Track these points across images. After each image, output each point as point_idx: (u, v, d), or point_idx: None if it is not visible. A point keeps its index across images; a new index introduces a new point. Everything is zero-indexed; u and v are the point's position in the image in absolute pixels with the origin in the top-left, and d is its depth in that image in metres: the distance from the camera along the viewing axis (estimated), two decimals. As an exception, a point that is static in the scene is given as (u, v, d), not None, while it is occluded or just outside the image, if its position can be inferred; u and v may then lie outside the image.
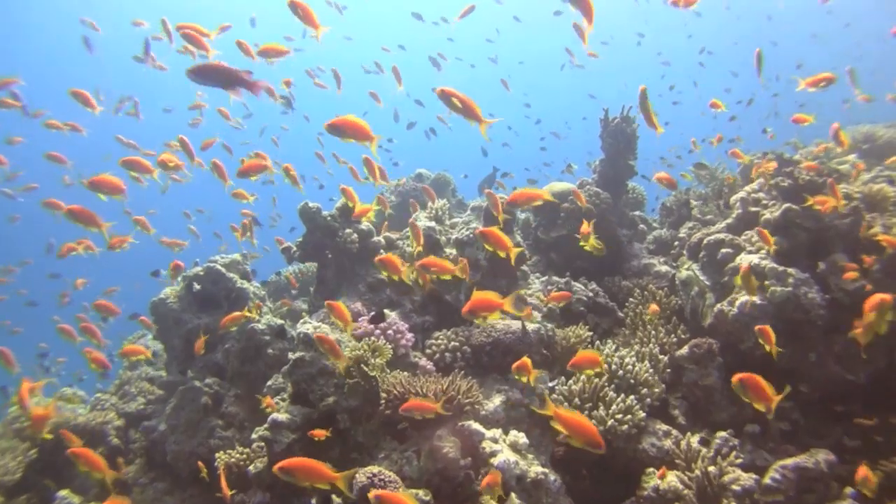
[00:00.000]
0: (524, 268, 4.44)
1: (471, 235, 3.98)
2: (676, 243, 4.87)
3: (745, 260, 4.14)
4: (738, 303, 4.00)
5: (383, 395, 3.01)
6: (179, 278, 4.62)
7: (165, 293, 4.65)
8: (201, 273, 4.58)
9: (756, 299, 3.97)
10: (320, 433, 3.06)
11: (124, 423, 4.71)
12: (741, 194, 4.59)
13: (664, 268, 4.77)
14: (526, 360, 2.95)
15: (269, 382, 3.87)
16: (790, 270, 4.03)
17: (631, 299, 4.42)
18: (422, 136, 8.97)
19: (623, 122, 4.93)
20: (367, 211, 3.64)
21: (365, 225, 4.11)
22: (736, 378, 2.99)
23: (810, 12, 19.35)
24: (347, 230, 4.02)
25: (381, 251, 4.08)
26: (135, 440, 4.44)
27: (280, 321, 4.47)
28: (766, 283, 4.02)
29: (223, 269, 4.59)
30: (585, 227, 3.91)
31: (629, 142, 4.96)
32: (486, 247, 3.31)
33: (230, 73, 2.42)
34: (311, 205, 4.08)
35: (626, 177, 5.03)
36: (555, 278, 4.45)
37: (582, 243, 3.92)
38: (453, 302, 3.98)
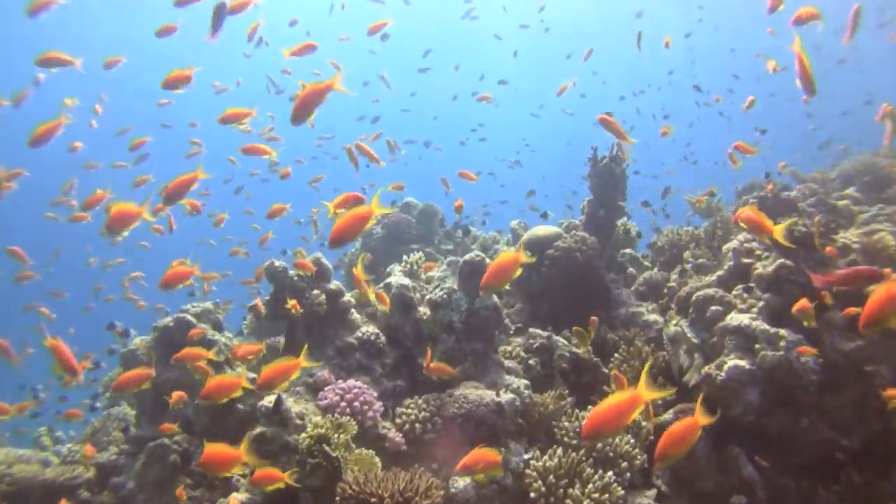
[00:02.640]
0: (505, 321, 4.26)
1: (444, 296, 3.80)
2: (666, 291, 4.66)
3: (735, 320, 3.94)
4: (726, 367, 3.80)
5: (338, 490, 2.86)
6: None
7: (135, 344, 4.51)
8: (171, 324, 4.43)
9: (745, 364, 3.77)
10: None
11: (96, 473, 4.61)
12: (734, 244, 4.37)
13: (653, 316, 4.57)
14: (477, 455, 2.78)
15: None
16: (782, 332, 3.83)
17: (616, 355, 4.24)
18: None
19: (612, 162, 4.71)
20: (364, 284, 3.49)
21: (334, 284, 3.94)
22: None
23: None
24: (315, 291, 3.85)
25: (352, 311, 3.91)
26: (104, 499, 4.33)
27: (253, 375, 4.33)
28: (757, 346, 3.82)
29: (194, 320, 4.44)
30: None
31: (618, 182, 4.73)
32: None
33: None
34: (276, 264, 3.91)
35: (615, 218, 4.82)
36: (537, 332, 4.26)
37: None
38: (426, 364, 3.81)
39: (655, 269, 5.07)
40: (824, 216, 4.26)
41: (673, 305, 4.32)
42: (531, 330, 4.28)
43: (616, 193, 4.73)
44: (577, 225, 4.87)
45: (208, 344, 4.29)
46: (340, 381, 3.69)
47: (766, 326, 3.85)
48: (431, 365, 3.51)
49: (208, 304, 4.58)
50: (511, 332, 4.33)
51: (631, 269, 4.92)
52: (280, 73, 9.42)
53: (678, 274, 4.61)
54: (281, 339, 4.36)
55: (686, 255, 4.80)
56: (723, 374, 3.80)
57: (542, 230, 4.64)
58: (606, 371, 4.21)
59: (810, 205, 5.01)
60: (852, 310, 3.95)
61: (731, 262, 4.30)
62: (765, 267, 4.12)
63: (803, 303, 3.58)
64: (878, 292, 2.42)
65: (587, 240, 4.53)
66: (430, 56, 12.64)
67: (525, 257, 3.10)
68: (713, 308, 4.04)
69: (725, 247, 4.40)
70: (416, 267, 4.19)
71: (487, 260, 3.86)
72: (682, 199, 5.85)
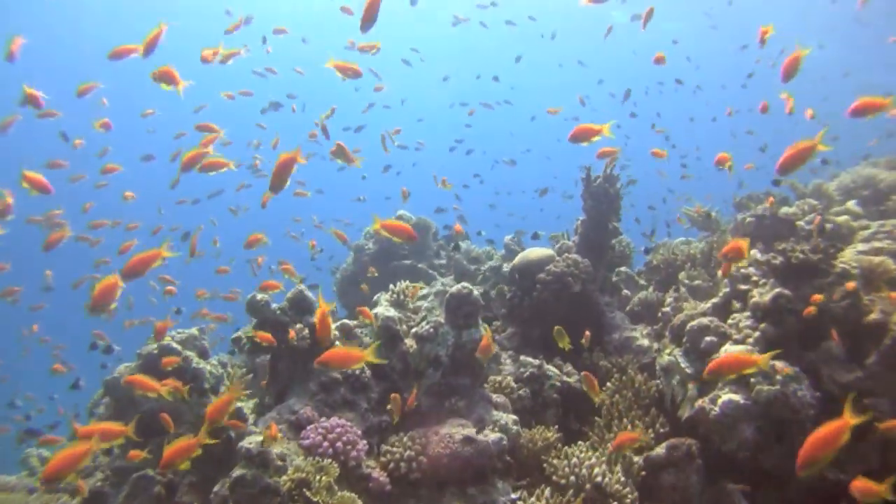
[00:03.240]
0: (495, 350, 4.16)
1: (431, 330, 3.69)
2: (660, 315, 4.55)
3: (730, 351, 3.83)
4: (720, 402, 3.70)
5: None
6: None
7: (120, 371, 4.43)
8: (155, 351, 4.35)
9: (740, 399, 3.67)
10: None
11: (80, 502, 4.55)
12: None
13: (646, 342, 4.46)
14: None
15: (215, 488, 3.67)
16: (778, 365, 3.72)
17: (608, 384, 4.14)
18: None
19: (606, 182, 4.57)
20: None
21: (315, 318, 3.84)
22: None
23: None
24: (298, 325, 3.75)
25: (337, 343, 3.81)
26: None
27: (238, 405, 4.25)
28: (752, 380, 3.71)
29: (178, 347, 4.35)
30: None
31: (612, 202, 4.60)
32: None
33: None
34: (258, 297, 3.81)
35: (609, 239, 4.70)
36: (528, 360, 4.17)
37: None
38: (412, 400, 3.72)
39: (651, 289, 4.96)
40: (822, 241, 4.13)
41: (667, 333, 4.22)
42: (522, 358, 4.18)
43: (610, 213, 4.61)
44: (571, 246, 4.75)
45: (186, 372, 4.21)
46: (324, 418, 3.60)
47: (762, 360, 3.74)
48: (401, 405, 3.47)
49: (193, 331, 4.49)
50: (502, 360, 4.23)
51: (626, 291, 4.81)
52: (264, 70, 9.30)
53: (673, 298, 4.50)
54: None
55: (682, 276, 4.68)
56: (716, 408, 3.70)
57: (534, 253, 4.52)
58: (599, 401, 4.12)
59: (809, 222, 4.87)
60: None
61: (728, 289, 4.18)
62: (762, 295, 4.01)
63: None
64: (814, 434, 2.46)
65: (579, 263, 4.41)
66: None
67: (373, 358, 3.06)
68: (707, 339, 3.93)
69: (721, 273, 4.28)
70: (402, 296, 4.08)
71: (475, 292, 3.75)
72: (681, 210, 5.71)
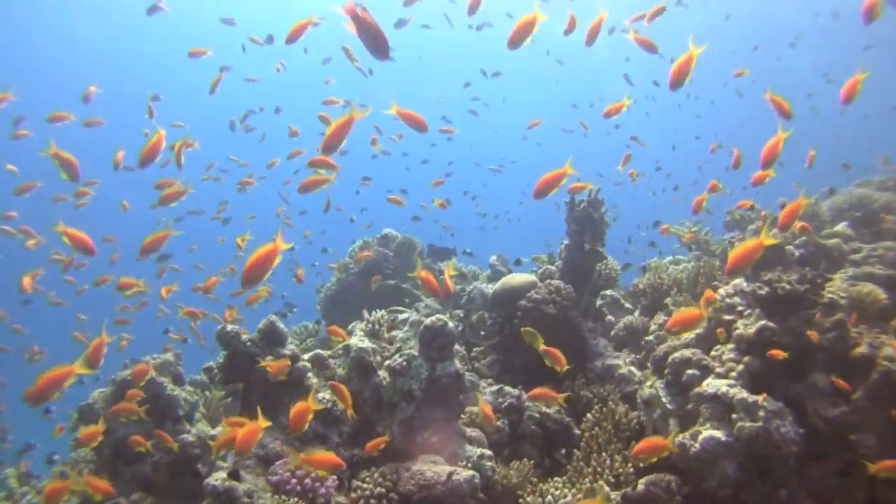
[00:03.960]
0: (471, 377, 4.09)
1: (404, 364, 3.61)
2: (644, 343, 4.45)
3: (712, 386, 3.73)
4: (701, 438, 3.60)
5: None
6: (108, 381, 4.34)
7: (94, 397, 4.37)
8: (129, 377, 4.28)
9: (721, 435, 3.58)
10: None
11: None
12: (715, 297, 4.14)
13: (629, 370, 4.37)
14: None
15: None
16: (761, 402, 3.62)
17: (589, 415, 4.05)
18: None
19: (590, 207, 4.48)
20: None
21: (289, 349, 3.77)
22: None
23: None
24: (269, 357, 3.68)
25: (308, 375, 3.74)
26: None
27: (213, 432, 4.20)
28: (734, 416, 3.62)
29: (153, 373, 4.28)
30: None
31: (597, 227, 4.51)
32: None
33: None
34: (228, 329, 3.74)
35: (593, 264, 4.60)
36: (507, 389, 4.09)
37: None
38: (385, 433, 3.64)
39: (637, 313, 4.86)
40: (809, 271, 4.02)
41: (649, 364, 4.12)
42: (502, 388, 4.10)
43: (594, 238, 4.51)
44: (554, 271, 4.66)
45: (160, 399, 4.15)
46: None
47: (745, 395, 3.65)
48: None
49: (168, 356, 4.42)
50: (481, 388, 4.15)
51: (610, 317, 4.71)
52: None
53: (657, 325, 4.40)
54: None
55: (668, 301, 4.59)
56: (697, 445, 3.61)
57: (516, 279, 4.44)
58: (579, 432, 4.03)
59: (798, 246, 4.77)
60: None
61: (711, 320, 4.08)
62: (746, 327, 3.91)
63: None
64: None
65: (561, 290, 4.32)
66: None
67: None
68: (689, 372, 3.84)
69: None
70: (378, 326, 4.00)
71: (450, 324, 3.67)
72: (671, 229, 5.61)
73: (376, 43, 2.24)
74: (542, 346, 3.52)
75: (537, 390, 3.60)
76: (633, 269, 5.78)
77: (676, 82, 3.29)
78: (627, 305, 4.97)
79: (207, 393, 4.69)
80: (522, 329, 3.71)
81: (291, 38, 3.88)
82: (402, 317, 4.73)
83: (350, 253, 6.19)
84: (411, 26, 7.04)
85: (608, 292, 4.97)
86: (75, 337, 6.05)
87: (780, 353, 3.62)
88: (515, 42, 3.06)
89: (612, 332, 4.79)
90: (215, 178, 7.65)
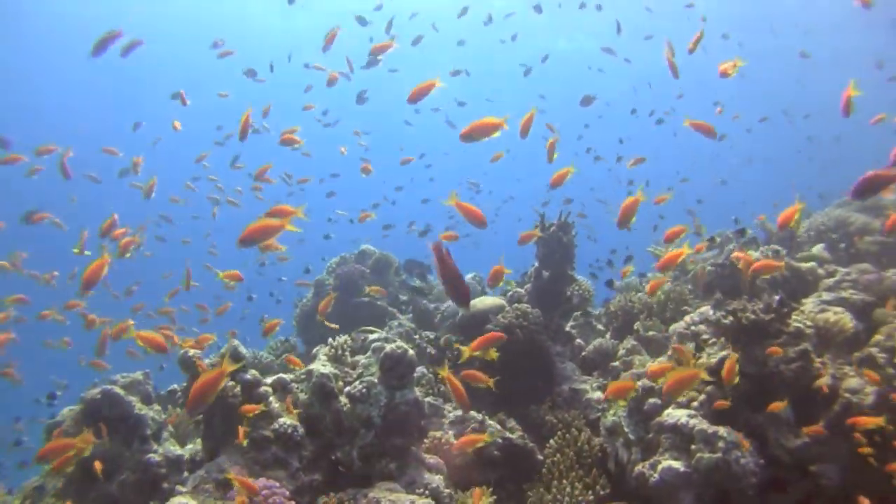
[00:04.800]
0: (434, 402, 4.10)
1: (364, 391, 3.62)
2: (611, 368, 4.45)
3: (672, 416, 3.73)
4: (660, 468, 3.60)
5: None
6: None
7: (63, 414, 4.39)
8: (98, 396, 4.30)
9: (680, 466, 3.58)
10: None
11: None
12: (680, 325, 4.15)
13: (596, 394, 4.37)
14: None
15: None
16: (721, 432, 3.62)
17: (552, 441, 4.05)
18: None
19: (560, 230, 4.47)
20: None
21: (250, 374, 3.78)
22: None
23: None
24: (230, 382, 3.69)
25: (270, 401, 3.75)
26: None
27: (179, 452, 4.22)
28: (693, 447, 3.61)
29: (122, 392, 4.30)
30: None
31: (566, 250, 4.51)
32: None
33: None
34: (190, 353, 3.76)
35: (563, 287, 4.60)
36: (472, 414, 4.09)
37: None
38: (345, 460, 3.66)
39: (608, 336, 4.86)
40: (777, 300, 4.00)
41: (612, 392, 4.11)
42: (464, 413, 4.10)
43: (564, 261, 4.51)
44: (522, 294, 4.66)
45: (129, 418, 4.17)
46: (252, 479, 3.54)
47: (705, 426, 3.64)
48: None
49: (138, 375, 4.44)
50: (445, 413, 4.16)
51: (579, 341, 4.70)
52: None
53: (626, 350, 4.39)
54: None
55: (637, 325, 4.58)
56: (656, 475, 3.61)
57: (484, 302, 4.44)
58: (542, 458, 4.04)
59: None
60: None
61: (676, 347, 4.07)
62: (710, 356, 3.90)
63: None
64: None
65: (529, 314, 4.32)
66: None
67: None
68: (651, 401, 3.84)
69: (672, 327, 4.18)
70: (341, 351, 4.01)
71: (411, 351, 3.68)
72: (647, 249, 5.60)
73: (457, 293, 2.31)
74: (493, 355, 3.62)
75: (467, 372, 3.64)
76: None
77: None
78: (599, 327, 4.97)
79: (177, 409, 4.71)
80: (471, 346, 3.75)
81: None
82: (372, 336, 4.74)
83: (327, 269, 6.21)
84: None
85: (580, 314, 4.97)
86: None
87: (724, 404, 3.62)
88: (469, 137, 3.10)
89: (584, 353, 4.79)
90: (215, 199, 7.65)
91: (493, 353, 3.71)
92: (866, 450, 3.43)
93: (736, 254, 4.69)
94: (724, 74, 4.01)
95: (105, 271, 3.54)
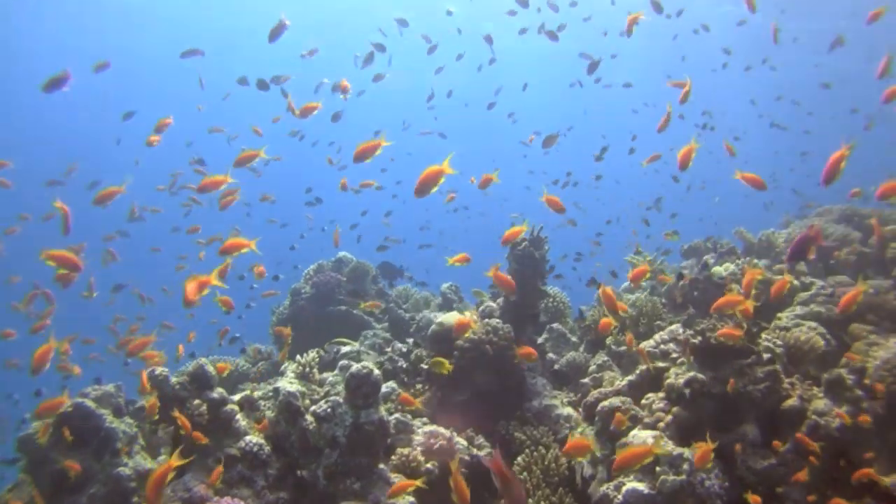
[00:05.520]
0: (403, 418, 4.10)
1: (329, 410, 3.62)
2: (581, 384, 4.44)
3: (638, 437, 3.73)
4: (624, 490, 3.61)
5: None
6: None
7: (35, 427, 4.39)
8: (69, 409, 4.30)
9: (644, 488, 3.58)
10: None
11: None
12: (649, 344, 4.13)
13: (566, 410, 4.36)
14: None
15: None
16: (686, 454, 3.62)
17: (520, 458, 4.06)
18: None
19: (532, 246, 4.45)
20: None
21: (217, 393, 3.77)
22: None
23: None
24: (196, 401, 3.69)
25: (237, 419, 3.75)
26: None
27: (150, 466, 4.22)
28: (658, 468, 3.61)
29: (93, 406, 4.30)
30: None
31: (537, 266, 4.48)
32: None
33: None
34: (157, 372, 3.76)
35: (535, 302, 4.58)
36: (440, 430, 4.09)
37: None
38: (310, 479, 3.66)
39: (581, 348, 4.85)
40: (747, 321, 3.98)
41: (580, 410, 4.12)
42: (435, 429, 4.11)
43: (536, 277, 4.49)
44: (494, 309, 4.64)
45: (99, 431, 4.17)
46: (217, 497, 3.55)
47: (670, 447, 3.64)
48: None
49: (109, 388, 4.43)
50: (414, 429, 4.15)
51: (551, 355, 4.70)
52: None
53: (596, 366, 4.39)
54: None
55: (609, 340, 4.57)
56: (620, 496, 3.61)
57: (455, 317, 4.42)
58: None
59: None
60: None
61: (644, 365, 4.07)
62: (677, 377, 3.89)
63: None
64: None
65: (499, 329, 4.31)
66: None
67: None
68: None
69: (642, 345, 4.16)
70: (308, 369, 4.00)
71: (376, 371, 3.67)
72: (626, 259, 5.58)
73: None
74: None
75: (437, 359, 3.78)
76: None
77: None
78: (573, 339, 4.96)
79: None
80: (432, 360, 3.79)
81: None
82: (344, 349, 4.74)
83: (304, 276, 6.20)
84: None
85: (555, 325, 4.95)
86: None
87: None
88: (422, 192, 3.10)
89: (557, 366, 4.78)
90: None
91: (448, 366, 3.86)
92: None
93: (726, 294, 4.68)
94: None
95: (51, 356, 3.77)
